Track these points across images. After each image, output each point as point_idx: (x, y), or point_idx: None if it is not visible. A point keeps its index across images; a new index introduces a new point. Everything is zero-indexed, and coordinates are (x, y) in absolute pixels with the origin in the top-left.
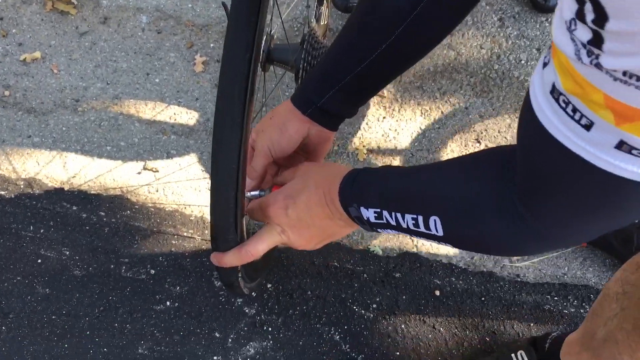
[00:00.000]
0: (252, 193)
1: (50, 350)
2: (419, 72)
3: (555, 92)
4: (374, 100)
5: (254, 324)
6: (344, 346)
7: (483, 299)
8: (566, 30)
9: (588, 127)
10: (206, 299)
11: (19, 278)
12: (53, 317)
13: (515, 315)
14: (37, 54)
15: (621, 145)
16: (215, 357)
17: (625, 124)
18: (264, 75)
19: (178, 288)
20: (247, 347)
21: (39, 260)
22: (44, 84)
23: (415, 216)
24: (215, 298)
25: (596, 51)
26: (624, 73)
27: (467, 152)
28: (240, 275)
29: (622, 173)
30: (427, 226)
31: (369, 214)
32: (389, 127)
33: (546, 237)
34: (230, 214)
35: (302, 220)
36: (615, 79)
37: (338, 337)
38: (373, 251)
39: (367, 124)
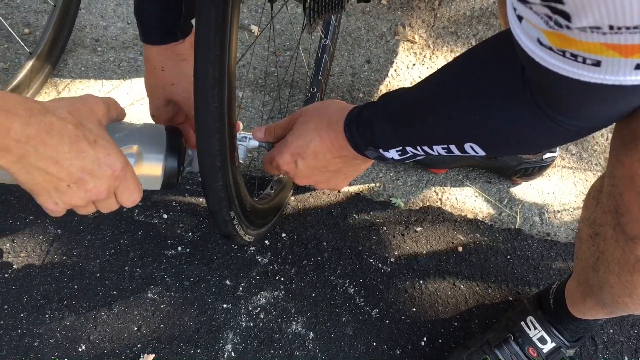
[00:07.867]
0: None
1: (60, 290)
2: (454, 17)
3: (544, 45)
4: (403, 46)
5: (266, 273)
6: (358, 300)
7: (509, 257)
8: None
9: (597, 63)
10: (218, 246)
11: (31, 217)
12: (64, 257)
13: (543, 275)
14: None
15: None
16: (225, 305)
17: (634, 55)
18: (272, 9)
19: (190, 234)
20: (258, 296)
21: None
22: None
23: (446, 146)
24: (227, 245)
25: (564, 22)
26: (611, 27)
27: None
28: (235, 222)
29: None
30: (462, 150)
31: (391, 154)
32: (419, 74)
33: (574, 131)
34: (216, 159)
35: (314, 170)
36: (604, 33)
37: (352, 290)
38: (394, 203)
39: (395, 70)
